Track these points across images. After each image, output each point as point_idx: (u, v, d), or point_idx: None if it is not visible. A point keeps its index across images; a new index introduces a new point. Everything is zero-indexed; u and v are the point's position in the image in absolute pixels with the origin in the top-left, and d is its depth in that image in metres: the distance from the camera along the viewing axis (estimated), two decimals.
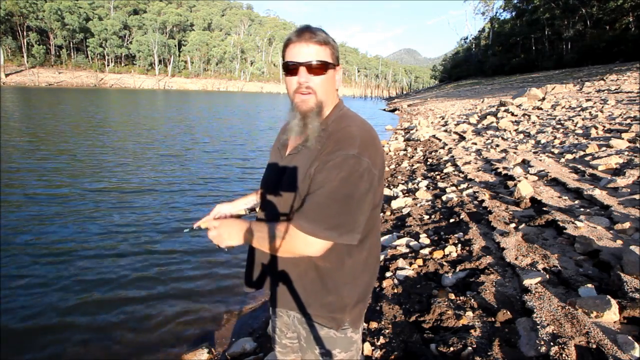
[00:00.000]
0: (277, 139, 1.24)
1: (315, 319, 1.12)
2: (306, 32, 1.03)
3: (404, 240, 3.67)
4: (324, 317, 1.10)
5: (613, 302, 2.02)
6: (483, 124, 11.15)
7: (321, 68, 1.03)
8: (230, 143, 12.48)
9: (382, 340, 2.19)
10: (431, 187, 5.72)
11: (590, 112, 9.22)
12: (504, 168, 5.66)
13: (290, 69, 1.04)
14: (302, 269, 1.09)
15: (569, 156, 5.68)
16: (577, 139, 6.89)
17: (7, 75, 61.45)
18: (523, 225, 3.46)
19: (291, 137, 1.13)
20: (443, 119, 15.94)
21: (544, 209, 3.72)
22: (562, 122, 8.82)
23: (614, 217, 3.23)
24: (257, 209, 1.26)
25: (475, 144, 8.59)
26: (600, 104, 10.33)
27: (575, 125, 8.05)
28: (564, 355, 1.74)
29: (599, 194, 3.85)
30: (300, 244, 0.98)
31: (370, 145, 1.00)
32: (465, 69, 64.01)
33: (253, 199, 1.36)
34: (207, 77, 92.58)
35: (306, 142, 1.06)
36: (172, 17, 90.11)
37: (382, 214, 4.81)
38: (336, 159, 0.96)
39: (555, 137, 7.39)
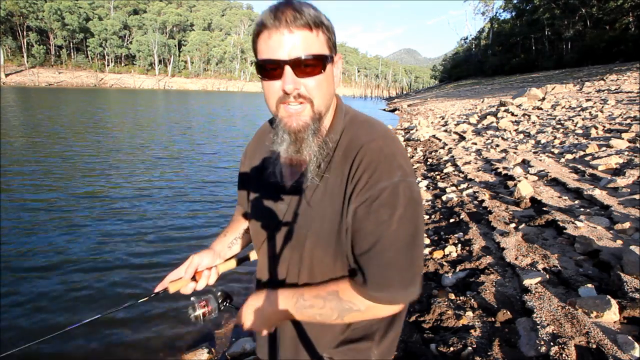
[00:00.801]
0: (257, 167, 0.91)
1: None
2: (287, 10, 0.67)
3: None
4: None
5: (613, 302, 2.02)
6: (483, 124, 11.15)
7: (316, 65, 0.70)
8: (230, 145, 12.37)
9: None
10: (431, 187, 5.72)
11: (590, 112, 9.21)
12: (504, 168, 5.66)
13: (269, 69, 0.71)
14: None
15: (569, 156, 5.68)
16: (577, 139, 6.89)
17: (7, 75, 61.52)
18: (523, 225, 3.46)
19: (284, 170, 0.83)
20: (443, 119, 15.94)
21: (544, 209, 3.72)
22: (562, 122, 8.82)
23: (614, 217, 3.23)
24: (255, 255, 0.96)
25: (475, 144, 8.59)
26: (600, 104, 10.33)
27: (575, 125, 8.05)
28: (564, 355, 1.74)
29: (599, 194, 3.85)
30: (376, 312, 0.76)
31: (406, 157, 0.76)
32: (465, 69, 64.07)
33: (236, 242, 1.04)
34: (207, 77, 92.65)
35: (316, 171, 0.76)
36: (172, 17, 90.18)
37: None
38: (380, 194, 0.70)
39: (555, 137, 7.39)
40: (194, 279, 0.94)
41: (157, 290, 0.92)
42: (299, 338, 0.86)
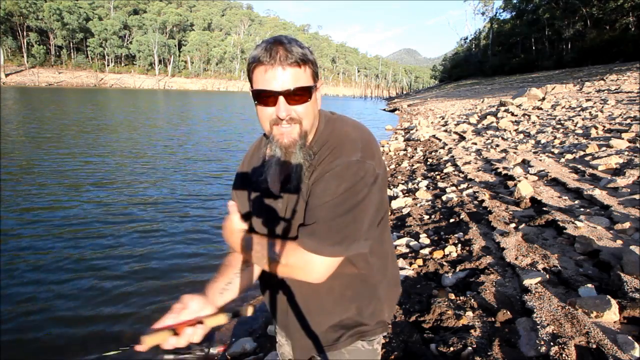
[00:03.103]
0: (254, 172, 1.02)
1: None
2: (280, 49, 0.81)
3: (404, 240, 3.67)
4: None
5: (613, 302, 2.02)
6: (483, 124, 11.15)
7: (304, 95, 0.85)
8: (230, 150, 11.73)
9: (382, 340, 2.19)
10: (431, 187, 5.72)
11: (590, 112, 9.22)
12: (504, 168, 5.66)
13: (264, 97, 0.84)
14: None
15: (569, 156, 5.68)
16: (577, 139, 6.89)
17: (7, 75, 61.54)
18: (523, 225, 3.46)
19: (273, 176, 0.94)
20: (443, 119, 15.95)
21: (544, 209, 3.72)
22: (562, 122, 8.82)
23: (614, 217, 3.23)
24: (251, 310, 0.93)
25: (475, 144, 8.59)
26: (600, 104, 10.33)
27: (575, 125, 8.05)
28: (564, 355, 1.74)
29: (599, 194, 3.85)
30: (300, 263, 0.85)
31: (373, 146, 0.90)
32: (465, 69, 64.05)
33: (228, 288, 0.98)
34: (207, 77, 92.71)
35: (299, 176, 0.90)
36: (172, 17, 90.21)
37: None
38: (336, 167, 0.84)
39: (555, 137, 7.39)
40: (175, 332, 0.79)
41: (143, 346, 0.77)
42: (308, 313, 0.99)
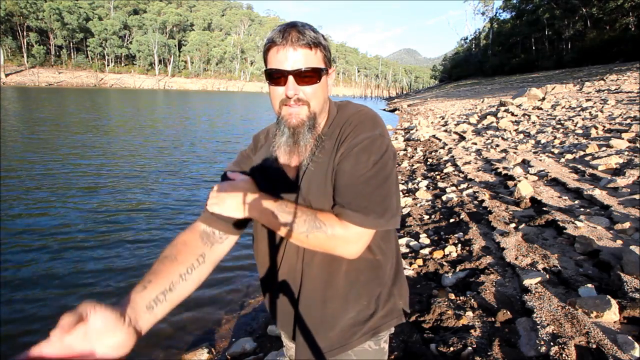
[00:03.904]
0: (259, 164, 1.00)
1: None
2: (292, 31, 0.84)
3: (404, 240, 3.67)
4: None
5: (613, 302, 2.02)
6: (483, 124, 11.15)
7: (313, 76, 0.87)
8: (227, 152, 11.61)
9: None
10: (431, 187, 5.72)
11: (590, 112, 9.22)
12: (504, 168, 5.66)
13: (275, 77, 0.87)
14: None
15: (569, 156, 5.68)
16: (577, 139, 6.89)
17: (7, 75, 61.53)
18: (523, 225, 3.46)
19: (284, 158, 0.94)
20: (443, 119, 15.94)
21: (544, 209, 3.72)
22: (562, 122, 8.82)
23: (614, 217, 3.24)
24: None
25: (475, 144, 8.59)
26: (600, 104, 10.33)
27: (575, 125, 8.05)
28: (564, 355, 1.74)
29: (599, 194, 3.85)
30: (345, 234, 0.83)
31: (384, 125, 0.93)
32: (465, 69, 64.07)
33: (179, 288, 0.78)
34: (207, 77, 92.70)
35: (312, 157, 0.91)
36: (172, 17, 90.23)
37: None
38: (362, 142, 0.85)
39: (555, 137, 7.39)
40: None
41: None
42: (324, 316, 0.95)
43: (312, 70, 0.86)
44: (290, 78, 0.85)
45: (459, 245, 3.37)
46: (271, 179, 0.96)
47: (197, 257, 0.86)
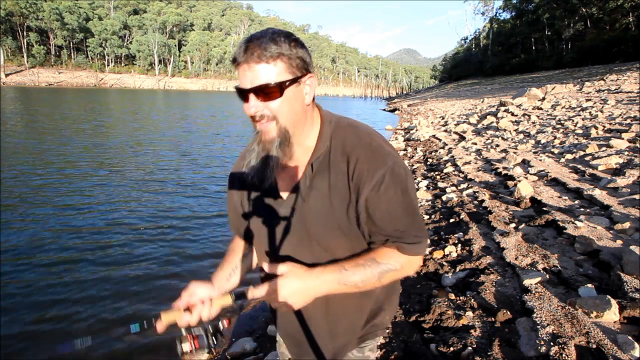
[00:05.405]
0: (244, 182, 1.01)
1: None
2: (250, 46, 0.80)
3: None
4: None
5: (613, 302, 2.02)
6: (483, 124, 11.15)
7: (274, 91, 0.82)
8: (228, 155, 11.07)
9: (381, 340, 2.19)
10: (431, 187, 5.72)
11: (590, 112, 9.22)
12: (504, 168, 5.66)
13: (240, 95, 0.86)
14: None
15: (569, 156, 5.68)
16: (577, 139, 6.89)
17: (7, 75, 61.55)
18: (523, 225, 3.46)
19: (278, 176, 0.95)
20: (443, 119, 15.94)
21: (544, 209, 3.72)
22: (562, 122, 8.82)
23: (614, 217, 3.23)
24: (252, 293, 0.89)
25: (475, 144, 8.59)
26: (600, 104, 10.33)
27: (575, 125, 8.05)
28: (564, 355, 1.74)
29: (599, 194, 3.85)
30: (407, 269, 0.95)
31: (388, 143, 0.94)
32: (465, 69, 64.01)
33: (234, 273, 1.09)
34: (207, 77, 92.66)
35: (312, 178, 0.90)
36: (172, 17, 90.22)
37: None
38: (384, 179, 0.86)
39: (555, 137, 7.39)
40: (188, 310, 0.92)
41: (160, 327, 0.92)
42: (332, 321, 0.99)
43: (273, 86, 0.82)
44: (251, 96, 0.83)
45: (459, 245, 3.37)
46: (259, 193, 0.99)
47: (246, 250, 1.12)
